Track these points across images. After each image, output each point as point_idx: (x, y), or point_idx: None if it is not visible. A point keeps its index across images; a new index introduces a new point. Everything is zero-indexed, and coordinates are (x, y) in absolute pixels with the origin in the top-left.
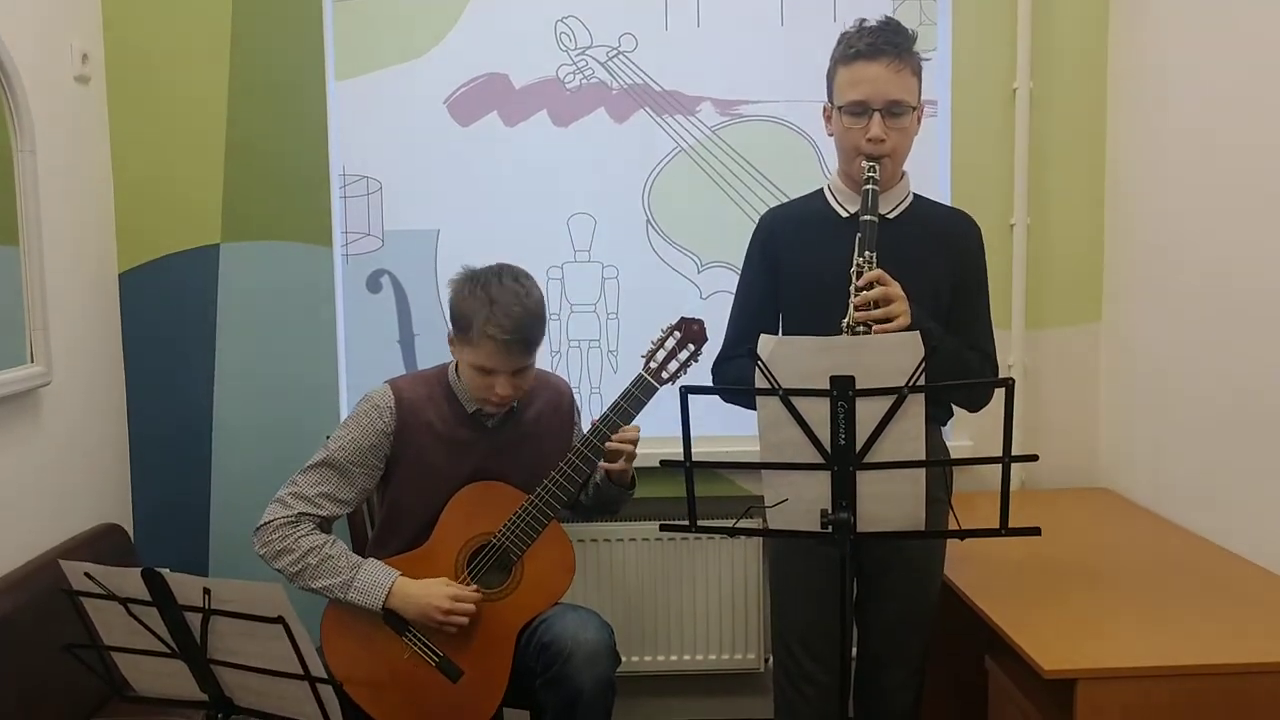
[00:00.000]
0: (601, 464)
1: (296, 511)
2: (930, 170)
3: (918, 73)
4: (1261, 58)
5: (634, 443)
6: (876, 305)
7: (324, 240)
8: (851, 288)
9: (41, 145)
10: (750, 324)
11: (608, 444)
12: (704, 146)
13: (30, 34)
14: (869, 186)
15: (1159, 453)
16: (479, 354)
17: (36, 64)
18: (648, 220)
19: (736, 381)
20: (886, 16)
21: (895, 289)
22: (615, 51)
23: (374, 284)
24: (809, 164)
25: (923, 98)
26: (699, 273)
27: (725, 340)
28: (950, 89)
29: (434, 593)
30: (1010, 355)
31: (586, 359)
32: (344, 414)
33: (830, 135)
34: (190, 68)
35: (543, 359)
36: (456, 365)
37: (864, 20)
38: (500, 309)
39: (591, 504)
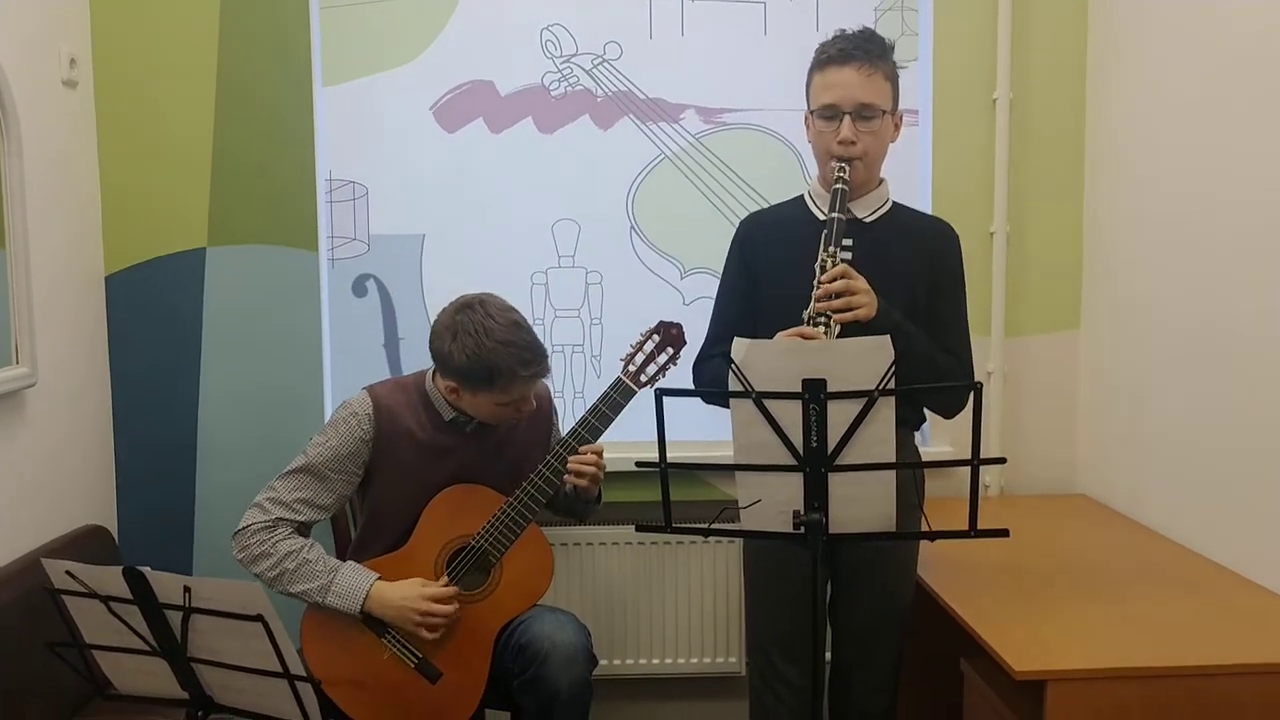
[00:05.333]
0: (567, 478)
1: (274, 516)
2: (911, 178)
3: (891, 78)
4: (1242, 64)
5: (596, 464)
6: (838, 296)
7: (310, 244)
8: (815, 281)
9: (29, 148)
10: (729, 325)
11: (570, 464)
12: (687, 154)
13: (18, 38)
14: (838, 186)
15: (1136, 459)
16: (507, 394)
17: (24, 68)
18: (631, 226)
19: (714, 380)
20: (863, 26)
21: (859, 282)
22: (600, 59)
23: (359, 288)
24: (792, 171)
25: (901, 107)
26: (682, 279)
27: (705, 340)
28: (931, 98)
29: (411, 595)
30: (989, 362)
31: (570, 364)
32: (328, 417)
33: (810, 142)
34: (178, 73)
35: None
36: (434, 374)
37: (842, 29)
38: (514, 352)
39: (562, 507)
